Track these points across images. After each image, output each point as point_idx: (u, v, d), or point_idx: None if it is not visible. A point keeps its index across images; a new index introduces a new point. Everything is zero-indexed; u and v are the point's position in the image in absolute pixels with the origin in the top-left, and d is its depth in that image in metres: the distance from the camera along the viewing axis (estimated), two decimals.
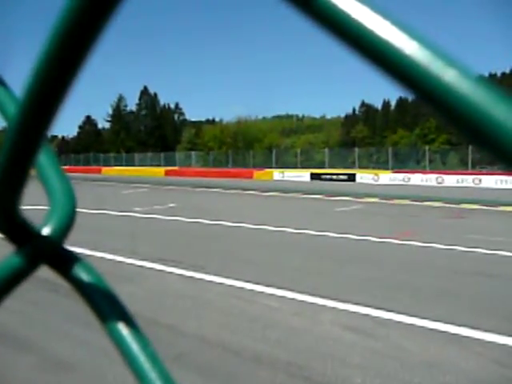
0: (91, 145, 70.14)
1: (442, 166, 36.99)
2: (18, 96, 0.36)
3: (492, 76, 61.06)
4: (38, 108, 0.23)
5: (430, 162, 36.00)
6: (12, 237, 0.29)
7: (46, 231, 0.29)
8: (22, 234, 0.29)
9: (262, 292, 5.55)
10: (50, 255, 0.30)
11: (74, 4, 0.20)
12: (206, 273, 6.40)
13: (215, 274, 6.31)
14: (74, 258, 0.31)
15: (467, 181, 28.11)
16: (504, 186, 26.00)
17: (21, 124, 0.24)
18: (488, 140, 0.15)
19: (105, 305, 0.29)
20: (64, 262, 0.30)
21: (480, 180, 27.56)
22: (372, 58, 0.17)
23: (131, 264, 6.99)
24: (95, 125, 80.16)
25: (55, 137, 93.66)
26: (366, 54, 0.17)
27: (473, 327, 4.37)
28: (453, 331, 4.31)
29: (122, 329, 0.29)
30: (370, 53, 0.17)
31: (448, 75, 0.16)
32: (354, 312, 4.86)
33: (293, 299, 5.29)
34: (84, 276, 0.30)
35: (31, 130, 0.24)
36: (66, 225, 0.29)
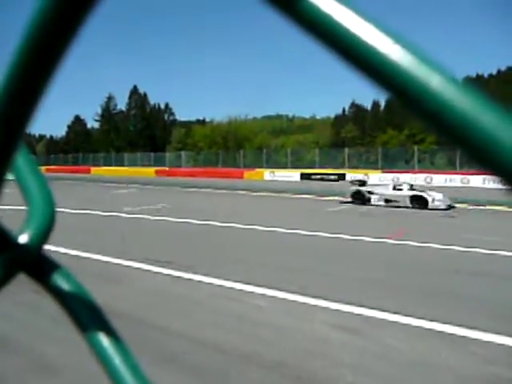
0: (80, 145, 69.57)
1: (430, 165, 37.29)
2: None
3: (479, 77, 61.72)
4: (13, 107, 0.22)
5: (419, 161, 36.27)
6: None
7: (23, 238, 0.28)
8: None
9: (252, 292, 5.54)
10: (28, 263, 0.28)
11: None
12: (195, 273, 6.38)
13: (205, 275, 6.29)
14: (53, 266, 0.29)
15: (455, 180, 28.40)
16: (492, 185, 26.29)
17: None
18: (472, 145, 0.15)
19: (85, 314, 0.28)
20: (42, 270, 0.29)
21: (468, 180, 27.84)
22: (356, 63, 0.16)
23: (120, 264, 6.93)
24: (84, 124, 79.53)
25: (43, 136, 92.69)
26: (350, 58, 0.16)
27: (469, 327, 4.40)
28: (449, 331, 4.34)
29: (103, 339, 0.28)
30: (354, 57, 0.16)
31: (433, 81, 0.16)
32: (346, 312, 4.87)
33: (283, 299, 5.28)
34: (63, 284, 0.29)
35: (7, 132, 0.23)
36: (45, 231, 0.28)
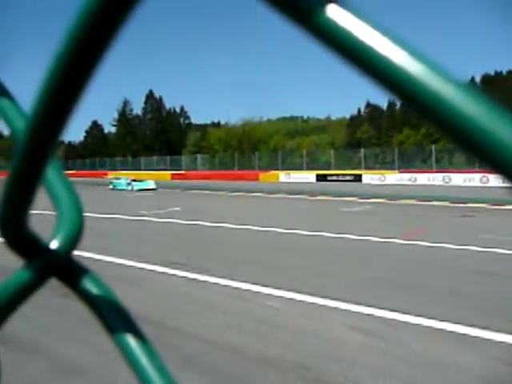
0: (97, 149, 70.46)
1: (448, 165, 36.75)
2: (26, 111, 0.37)
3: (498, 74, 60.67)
4: (46, 124, 0.24)
5: (437, 161, 35.78)
6: (21, 252, 0.29)
7: (54, 245, 0.29)
8: (31, 248, 0.29)
9: (269, 294, 5.54)
10: (59, 268, 0.30)
11: (84, 17, 0.21)
12: (212, 275, 6.41)
13: (221, 277, 6.31)
14: (82, 270, 0.31)
15: (474, 180, 27.91)
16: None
17: (29, 140, 0.24)
18: (478, 147, 0.16)
19: (113, 316, 0.30)
20: (72, 275, 0.30)
21: (488, 178, 27.36)
22: (370, 73, 0.17)
23: (136, 267, 7.01)
24: (101, 129, 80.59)
25: (62, 142, 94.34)
26: (365, 68, 0.17)
27: (482, 327, 4.34)
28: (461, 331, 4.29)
29: (130, 340, 0.29)
30: (368, 68, 0.17)
31: (443, 88, 0.16)
32: (361, 312, 4.83)
33: (301, 301, 5.27)
34: (92, 288, 0.30)
35: (40, 146, 0.25)
36: (74, 237, 0.30)
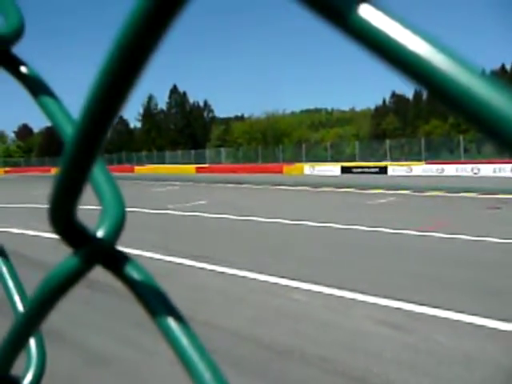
0: (123, 144, 71.64)
1: (477, 155, 35.81)
2: (73, 116, 0.39)
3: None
4: (94, 127, 0.26)
5: (465, 151, 34.92)
6: (70, 240, 0.32)
7: (99, 234, 0.31)
8: (79, 237, 0.31)
9: (297, 287, 5.56)
10: (104, 256, 0.32)
11: (130, 24, 0.21)
12: (239, 268, 6.46)
13: (248, 270, 6.36)
14: (125, 259, 0.33)
15: (505, 170, 27.08)
16: None
17: (77, 143, 0.26)
18: (499, 133, 0.16)
19: (154, 301, 0.32)
20: (117, 263, 0.33)
21: None
22: (402, 69, 0.18)
23: (163, 260, 7.13)
24: (127, 124, 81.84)
25: None
26: (397, 65, 0.18)
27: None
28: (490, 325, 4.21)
29: (172, 323, 0.31)
30: (400, 64, 0.18)
31: (463, 76, 0.17)
32: (387, 306, 4.80)
33: (330, 295, 5.26)
34: (135, 275, 0.32)
35: (87, 147, 0.27)
36: (118, 227, 0.32)
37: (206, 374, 0.28)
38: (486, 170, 27.96)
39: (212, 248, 8.00)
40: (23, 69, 0.44)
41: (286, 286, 5.64)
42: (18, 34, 0.44)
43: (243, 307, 4.93)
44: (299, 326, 4.34)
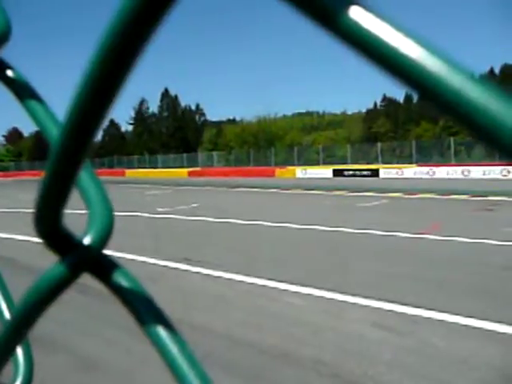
0: (115, 148, 71.23)
1: (467, 158, 36.11)
2: (54, 112, 0.39)
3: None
4: (80, 130, 0.25)
5: (456, 154, 35.21)
6: (56, 247, 0.31)
7: (87, 240, 0.30)
8: (65, 244, 0.31)
9: (286, 290, 5.55)
10: (92, 263, 0.31)
11: (116, 28, 0.21)
12: (226, 271, 6.44)
13: (237, 273, 6.34)
14: (113, 265, 0.32)
15: (494, 172, 27.38)
16: None
17: (65, 143, 0.26)
18: (491, 136, 0.16)
19: (143, 309, 0.31)
20: (104, 269, 0.32)
21: (508, 171, 26.82)
22: (392, 72, 0.18)
23: (154, 264, 7.09)
24: (118, 128, 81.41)
25: None
26: (387, 67, 0.18)
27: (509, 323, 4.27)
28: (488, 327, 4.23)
29: (160, 331, 0.30)
30: (391, 67, 0.18)
31: (455, 79, 0.17)
32: (381, 308, 4.81)
33: (319, 297, 5.27)
34: (123, 282, 0.32)
35: (74, 151, 0.26)
36: (106, 233, 0.31)
37: (195, 382, 0.28)
38: (476, 172, 28.24)
39: (202, 251, 7.97)
40: (9, 72, 0.43)
41: (275, 288, 5.64)
42: (4, 37, 0.43)
43: (233, 310, 4.91)
44: (292, 329, 4.33)
